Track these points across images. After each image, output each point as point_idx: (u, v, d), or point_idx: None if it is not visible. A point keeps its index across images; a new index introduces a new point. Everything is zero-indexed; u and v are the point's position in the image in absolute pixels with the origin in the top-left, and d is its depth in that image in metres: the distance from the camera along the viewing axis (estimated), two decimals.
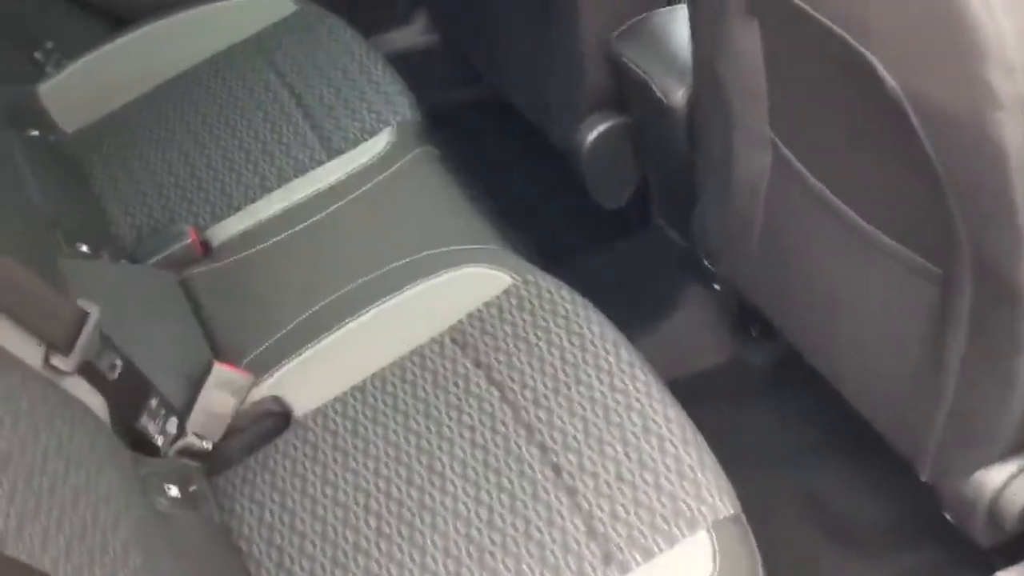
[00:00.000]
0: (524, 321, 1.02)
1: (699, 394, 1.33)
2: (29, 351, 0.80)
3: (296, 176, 1.23)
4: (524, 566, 0.85)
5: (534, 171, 1.54)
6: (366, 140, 1.25)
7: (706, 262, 1.22)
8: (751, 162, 1.02)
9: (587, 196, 1.38)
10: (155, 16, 1.45)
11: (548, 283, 1.04)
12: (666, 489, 0.87)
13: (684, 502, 0.87)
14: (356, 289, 1.08)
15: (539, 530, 0.87)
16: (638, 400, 0.93)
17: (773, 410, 1.31)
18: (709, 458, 0.89)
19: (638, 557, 0.84)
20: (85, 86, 1.40)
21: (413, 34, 1.75)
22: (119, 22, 1.47)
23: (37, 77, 1.39)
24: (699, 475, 0.88)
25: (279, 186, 1.23)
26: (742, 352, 1.36)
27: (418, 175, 1.21)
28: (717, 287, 1.28)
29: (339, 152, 1.24)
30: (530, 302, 1.03)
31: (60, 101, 1.39)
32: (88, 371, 0.86)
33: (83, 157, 1.34)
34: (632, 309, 1.41)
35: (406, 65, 1.63)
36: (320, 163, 1.24)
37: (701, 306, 1.38)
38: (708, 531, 0.85)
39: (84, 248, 1.16)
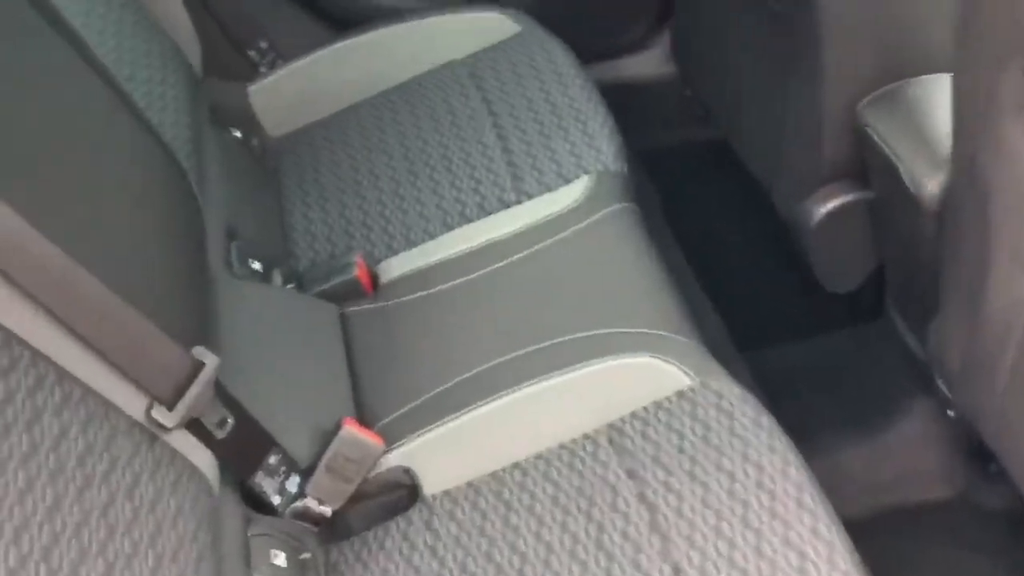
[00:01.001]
0: (694, 434, 0.86)
1: (912, 531, 1.13)
2: (130, 402, 0.73)
3: (479, 217, 1.13)
4: None
5: (750, 236, 1.36)
6: (561, 187, 1.12)
7: (941, 384, 1.02)
8: (1011, 288, 0.82)
9: (810, 274, 1.20)
10: (377, 24, 1.39)
11: (731, 393, 0.88)
12: None
13: None
14: (513, 361, 0.96)
15: None
16: (815, 567, 0.76)
17: (1003, 568, 1.08)
18: None
19: None
20: (295, 90, 1.36)
21: (649, 62, 1.60)
22: (340, 27, 1.42)
23: (249, 76, 1.36)
24: None
25: (459, 225, 1.13)
26: (973, 491, 1.13)
27: (610, 235, 1.07)
28: (951, 413, 1.06)
29: (529, 196, 1.13)
30: (705, 411, 0.88)
31: (269, 104, 1.35)
32: (195, 427, 0.79)
33: (280, 166, 1.30)
34: (845, 413, 1.22)
35: (631, 95, 1.51)
36: (507, 206, 1.13)
37: (929, 425, 1.16)
38: None
39: (256, 265, 1.11)
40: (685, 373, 0.90)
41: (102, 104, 0.93)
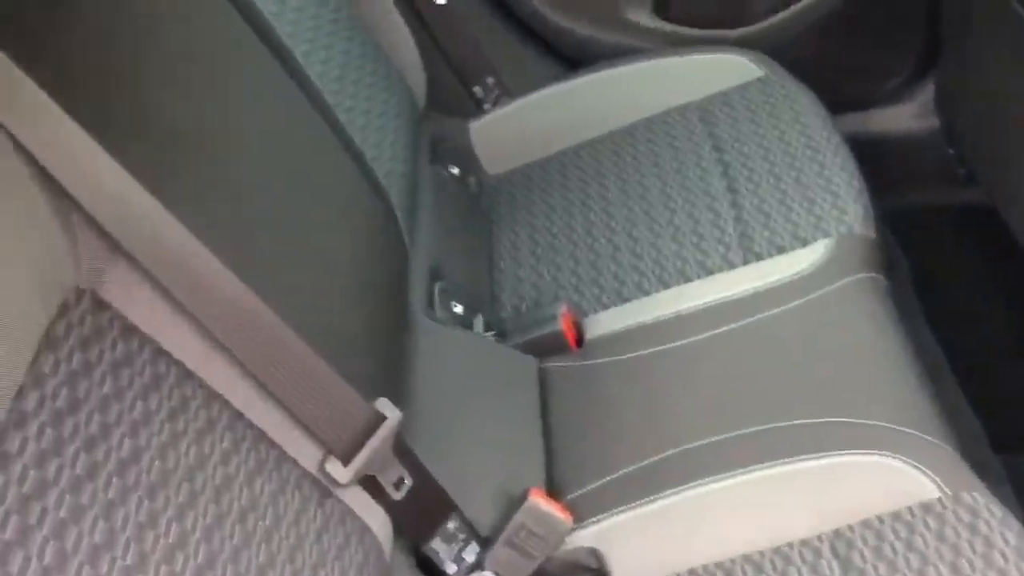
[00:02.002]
0: (940, 559, 0.72)
1: None
2: (303, 453, 0.68)
3: (699, 276, 1.02)
4: None
5: (1016, 319, 1.18)
6: (795, 250, 1.00)
7: None
8: None
9: None
10: (609, 63, 1.32)
11: (990, 512, 0.73)
12: None
13: None
14: (726, 442, 0.85)
15: None
16: None
17: None
18: None
19: None
20: (517, 128, 1.31)
21: (906, 115, 1.45)
22: (571, 65, 1.36)
23: (472, 112, 1.32)
24: None
25: (677, 283, 1.03)
26: None
27: (850, 309, 0.94)
28: None
29: (758, 257, 1.01)
30: (955, 531, 0.73)
31: (489, 141, 1.31)
32: (370, 484, 0.73)
33: (494, 205, 1.25)
34: None
35: (884, 151, 1.37)
36: (731, 266, 1.02)
37: None
38: None
39: (458, 309, 1.05)
40: (932, 481, 0.76)
41: (316, 135, 0.91)
